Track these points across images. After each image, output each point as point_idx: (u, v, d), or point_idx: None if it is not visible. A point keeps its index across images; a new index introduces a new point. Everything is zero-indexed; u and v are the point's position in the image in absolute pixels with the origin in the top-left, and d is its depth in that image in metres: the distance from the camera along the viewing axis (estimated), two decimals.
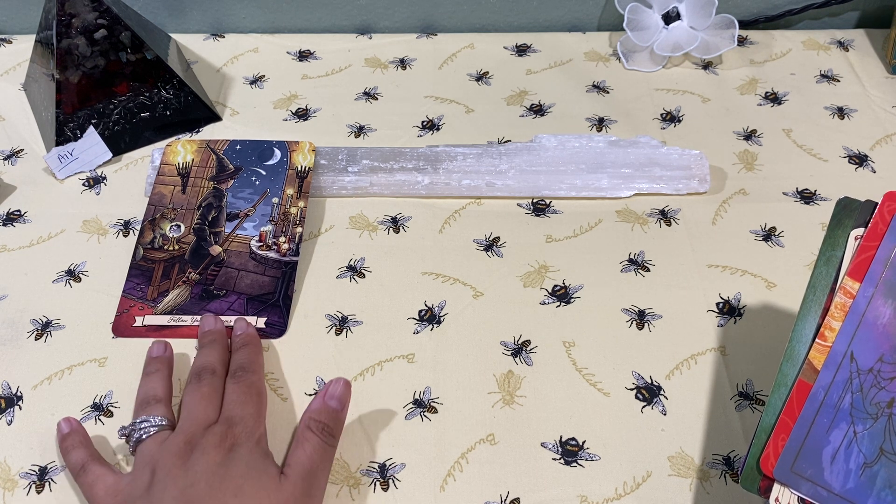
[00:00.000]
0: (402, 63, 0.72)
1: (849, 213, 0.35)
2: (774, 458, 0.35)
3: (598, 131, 0.65)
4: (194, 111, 0.65)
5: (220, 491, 0.39)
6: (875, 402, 0.34)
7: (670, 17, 0.69)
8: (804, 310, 0.36)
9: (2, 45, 0.74)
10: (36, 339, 0.52)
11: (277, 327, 0.52)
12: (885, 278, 0.34)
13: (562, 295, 0.53)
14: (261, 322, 0.52)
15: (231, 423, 0.43)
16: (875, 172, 0.61)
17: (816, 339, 0.35)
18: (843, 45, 0.72)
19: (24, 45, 0.72)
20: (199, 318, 0.52)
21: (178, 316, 0.52)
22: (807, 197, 0.59)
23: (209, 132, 0.65)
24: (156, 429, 0.43)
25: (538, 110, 0.67)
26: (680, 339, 0.51)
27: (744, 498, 0.44)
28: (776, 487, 0.36)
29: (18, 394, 0.49)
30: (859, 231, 0.35)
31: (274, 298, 0.53)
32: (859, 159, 0.62)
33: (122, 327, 0.52)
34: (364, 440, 0.47)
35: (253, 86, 0.70)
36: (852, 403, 0.35)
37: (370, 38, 0.74)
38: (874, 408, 0.34)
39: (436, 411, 0.48)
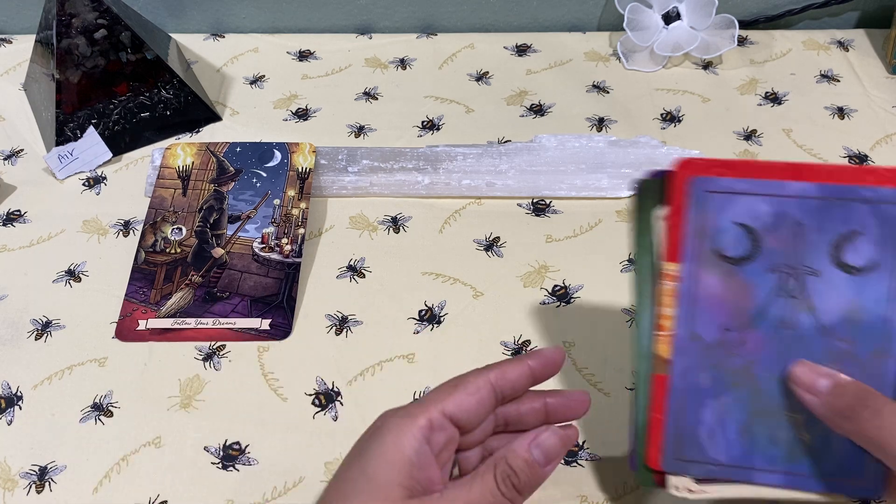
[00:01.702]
0: (402, 63, 0.72)
1: (647, 193, 0.33)
2: (658, 454, 0.36)
3: (598, 131, 0.65)
4: (194, 111, 0.65)
5: None
6: (732, 370, 0.34)
7: (670, 17, 0.69)
8: (639, 305, 0.35)
9: (2, 45, 0.74)
10: (36, 339, 0.52)
11: (282, 329, 0.52)
12: (703, 249, 0.33)
13: (562, 295, 0.53)
14: (265, 324, 0.52)
15: None
16: None
17: (656, 331, 0.35)
18: (843, 45, 0.72)
19: (24, 45, 0.72)
20: (202, 320, 0.52)
21: (181, 319, 0.52)
22: None
23: (209, 132, 0.65)
24: None
25: (538, 110, 0.67)
26: None
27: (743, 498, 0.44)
28: (670, 477, 0.36)
29: (18, 394, 0.49)
30: (663, 210, 0.33)
31: (278, 300, 0.53)
32: (859, 159, 0.62)
33: (125, 331, 0.52)
34: None
35: (253, 86, 0.70)
36: (712, 379, 0.35)
37: (370, 38, 0.74)
38: (733, 376, 0.35)
39: None
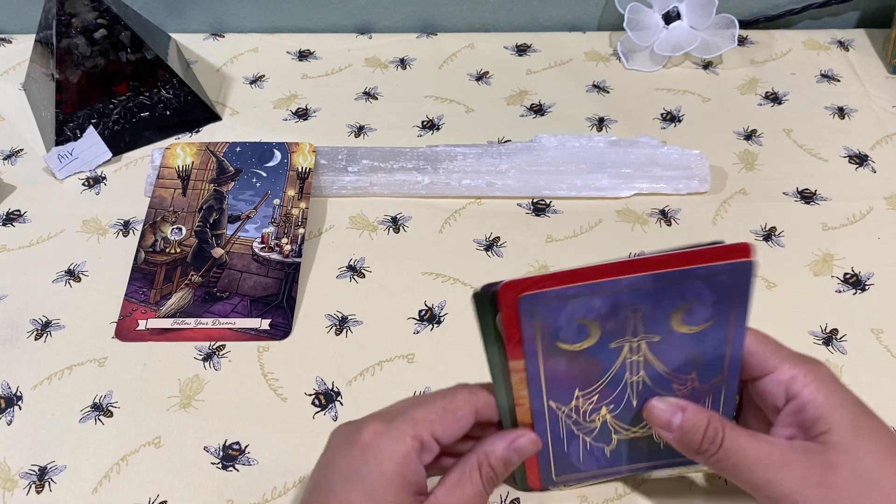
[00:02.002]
0: (402, 63, 0.72)
1: (486, 302, 0.35)
2: (536, 481, 0.40)
3: (599, 131, 0.65)
4: (194, 111, 0.65)
5: None
6: (590, 417, 0.38)
7: (670, 17, 0.69)
8: (497, 389, 0.37)
9: (2, 45, 0.74)
10: (36, 339, 0.52)
11: (282, 329, 0.52)
12: (544, 345, 0.35)
13: None
14: (265, 324, 0.52)
15: None
16: (875, 172, 0.61)
17: (516, 406, 0.37)
18: (843, 45, 0.72)
19: (24, 45, 0.72)
20: (202, 320, 0.52)
21: (181, 319, 0.52)
22: (807, 197, 0.59)
23: (209, 132, 0.65)
24: None
25: (538, 110, 0.67)
26: None
27: (743, 499, 0.44)
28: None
29: (18, 394, 0.49)
30: (500, 317, 0.35)
31: (278, 300, 0.53)
32: (859, 159, 0.62)
33: (125, 331, 0.52)
34: None
35: (253, 86, 0.70)
36: (574, 426, 0.38)
37: (370, 37, 0.74)
38: (592, 420, 0.38)
39: None
